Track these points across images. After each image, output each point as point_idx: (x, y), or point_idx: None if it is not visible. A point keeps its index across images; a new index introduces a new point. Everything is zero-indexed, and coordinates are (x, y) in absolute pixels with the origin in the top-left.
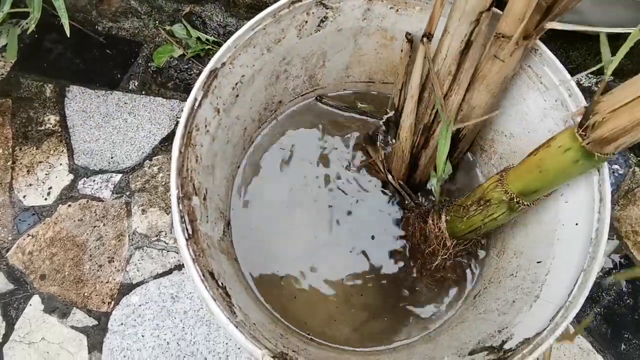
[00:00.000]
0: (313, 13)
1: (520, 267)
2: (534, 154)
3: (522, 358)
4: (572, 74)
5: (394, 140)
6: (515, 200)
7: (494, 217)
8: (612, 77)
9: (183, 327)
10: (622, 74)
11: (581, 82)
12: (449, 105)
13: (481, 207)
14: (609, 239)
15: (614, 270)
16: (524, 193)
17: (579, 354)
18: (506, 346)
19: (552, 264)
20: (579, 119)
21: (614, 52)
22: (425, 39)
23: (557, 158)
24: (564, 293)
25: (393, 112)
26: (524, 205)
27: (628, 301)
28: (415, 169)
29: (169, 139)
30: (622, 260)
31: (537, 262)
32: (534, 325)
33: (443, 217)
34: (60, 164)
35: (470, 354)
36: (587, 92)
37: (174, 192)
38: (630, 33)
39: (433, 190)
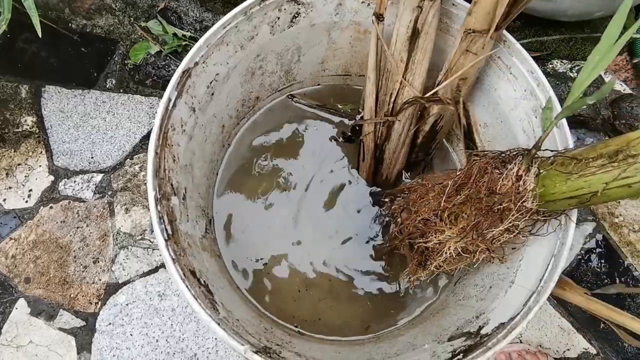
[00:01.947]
0: (285, 9)
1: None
2: None
3: (497, 342)
4: (546, 60)
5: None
6: None
7: (630, 182)
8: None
9: (172, 324)
10: None
11: (556, 68)
12: (404, 95)
13: (615, 164)
14: (587, 221)
15: (594, 250)
16: None
17: (560, 333)
18: (483, 331)
19: (525, 250)
20: None
21: (584, 38)
22: (374, 18)
23: None
24: (536, 278)
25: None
26: None
27: (606, 281)
28: (381, 162)
29: (149, 136)
30: (600, 241)
31: (512, 248)
32: (509, 310)
33: (533, 169)
34: (40, 166)
35: (449, 339)
36: (562, 77)
37: (151, 194)
38: (600, 18)
39: (543, 128)
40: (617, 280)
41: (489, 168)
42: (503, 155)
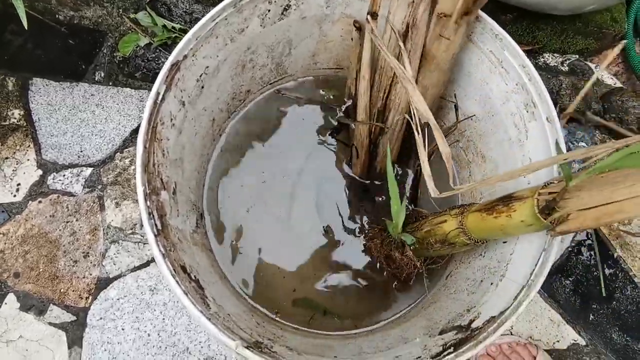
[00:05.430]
0: (275, 1)
1: (488, 247)
2: (494, 216)
3: (487, 336)
4: (537, 53)
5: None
6: (480, 242)
7: (462, 250)
8: (577, 56)
9: (163, 319)
10: (587, 52)
11: (547, 62)
12: (397, 91)
13: (447, 246)
14: None
15: (584, 243)
16: (487, 239)
17: (550, 325)
18: (473, 325)
19: (516, 244)
20: (541, 197)
21: (575, 31)
22: (369, 17)
23: (520, 229)
24: (527, 271)
25: (350, 100)
26: (486, 242)
27: (595, 273)
28: (375, 157)
29: (139, 130)
30: (590, 234)
31: (503, 242)
32: (499, 303)
33: (407, 247)
34: (28, 160)
35: (441, 333)
36: (553, 71)
37: (140, 189)
38: (591, 12)
39: (390, 229)
40: (607, 272)
41: (381, 251)
42: (383, 241)
